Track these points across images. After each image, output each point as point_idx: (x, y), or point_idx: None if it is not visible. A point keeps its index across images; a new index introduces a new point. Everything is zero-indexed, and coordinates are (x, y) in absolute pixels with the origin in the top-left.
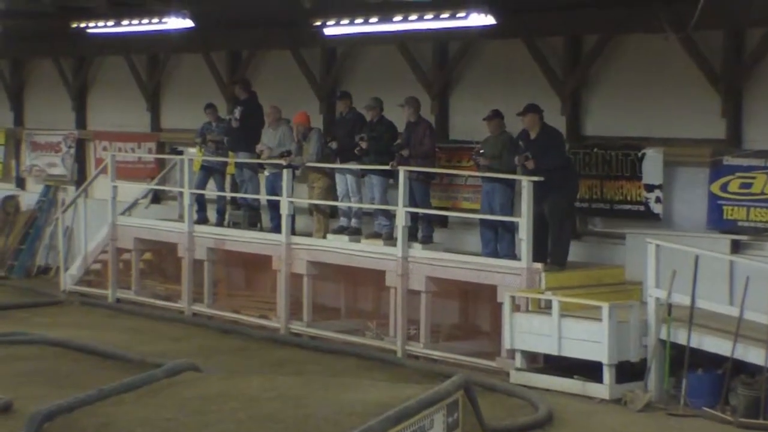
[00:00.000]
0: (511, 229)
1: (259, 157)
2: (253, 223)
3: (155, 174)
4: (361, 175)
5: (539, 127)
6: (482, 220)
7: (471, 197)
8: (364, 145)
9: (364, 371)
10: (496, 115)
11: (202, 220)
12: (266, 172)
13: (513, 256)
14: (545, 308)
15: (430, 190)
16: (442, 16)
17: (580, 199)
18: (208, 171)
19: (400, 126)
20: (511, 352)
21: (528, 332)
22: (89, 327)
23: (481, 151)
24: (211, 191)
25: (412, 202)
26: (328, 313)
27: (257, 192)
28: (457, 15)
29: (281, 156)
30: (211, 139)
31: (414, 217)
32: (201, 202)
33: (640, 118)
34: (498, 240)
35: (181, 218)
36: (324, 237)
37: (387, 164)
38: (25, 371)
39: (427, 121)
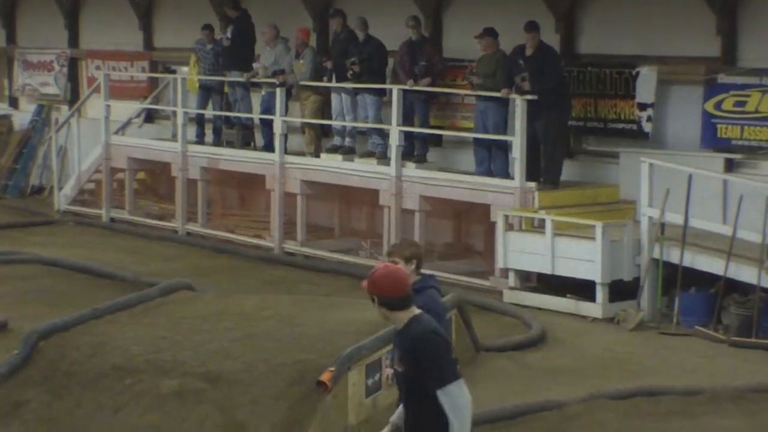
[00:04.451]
0: (505, 148)
1: (254, 76)
2: (247, 143)
3: (148, 93)
4: (354, 93)
5: (536, 44)
6: (476, 139)
7: (469, 116)
8: (356, 68)
9: (357, 290)
10: (487, 34)
11: (202, 139)
12: (262, 92)
13: (506, 175)
14: (538, 227)
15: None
16: None
17: (575, 118)
18: (208, 90)
19: (389, 44)
20: (505, 272)
21: (521, 251)
22: (83, 246)
23: (475, 70)
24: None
25: (410, 121)
26: (321, 232)
27: (250, 111)
28: None
29: (274, 75)
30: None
31: (409, 136)
32: (201, 122)
33: (634, 36)
34: (491, 159)
35: (174, 137)
36: (315, 153)
37: (378, 84)
38: (19, 290)
39: (429, 40)
